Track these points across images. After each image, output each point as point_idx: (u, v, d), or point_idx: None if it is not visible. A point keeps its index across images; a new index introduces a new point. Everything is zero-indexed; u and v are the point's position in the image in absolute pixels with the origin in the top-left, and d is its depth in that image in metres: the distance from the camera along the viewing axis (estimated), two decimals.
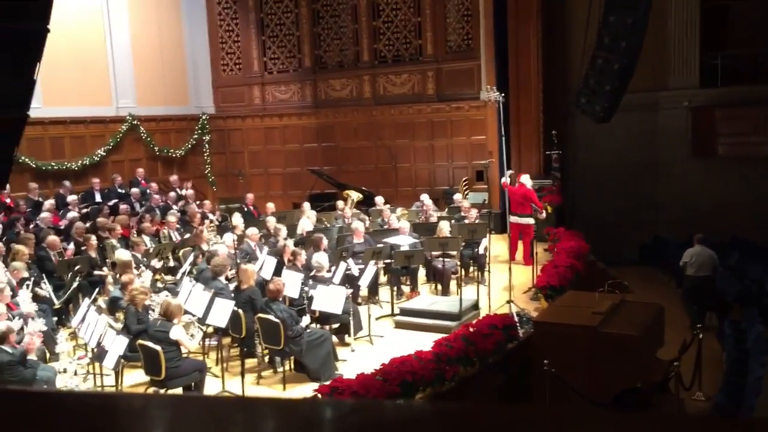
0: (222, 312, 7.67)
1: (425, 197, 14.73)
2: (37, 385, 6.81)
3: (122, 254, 9.94)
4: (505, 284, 10.18)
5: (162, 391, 7.08)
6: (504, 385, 8.25)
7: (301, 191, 18.49)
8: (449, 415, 0.96)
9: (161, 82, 18.52)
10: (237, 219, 12.49)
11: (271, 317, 7.72)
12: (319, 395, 6.65)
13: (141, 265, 10.12)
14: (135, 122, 17.56)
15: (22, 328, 7.68)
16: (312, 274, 9.30)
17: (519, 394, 8.31)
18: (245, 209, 14.91)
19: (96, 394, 4.73)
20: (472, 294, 10.16)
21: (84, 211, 13.66)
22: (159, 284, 9.99)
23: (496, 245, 12.79)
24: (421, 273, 11.60)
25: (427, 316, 9.45)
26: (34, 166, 15.14)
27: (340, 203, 14.87)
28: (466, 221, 12.46)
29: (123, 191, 15.47)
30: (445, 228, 11.34)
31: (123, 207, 13.63)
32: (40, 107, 13.84)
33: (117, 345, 7.08)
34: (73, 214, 12.90)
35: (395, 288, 10.73)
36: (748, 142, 14.94)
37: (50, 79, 14.08)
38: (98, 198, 14.91)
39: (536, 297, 10.20)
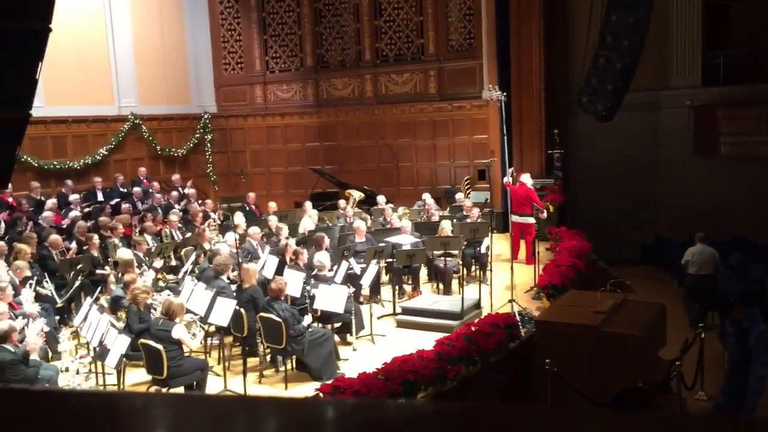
0: (224, 311, 7.68)
1: (427, 196, 14.73)
2: (39, 384, 6.81)
3: (124, 253, 9.95)
4: (507, 283, 10.18)
5: (164, 390, 7.08)
6: (506, 384, 8.25)
7: (302, 190, 18.49)
8: (451, 415, 0.96)
9: (163, 81, 18.53)
10: (239, 218, 12.50)
11: (273, 316, 7.72)
12: (321, 394, 6.65)
13: (143, 264, 10.13)
14: (137, 121, 17.57)
15: (23, 328, 7.68)
16: (314, 273, 9.31)
17: (521, 394, 8.31)
18: (247, 208, 14.91)
19: (98, 393, 4.74)
20: (474, 293, 10.15)
21: (86, 210, 13.67)
22: (161, 283, 10.00)
23: (497, 244, 12.77)
24: (423, 272, 11.59)
25: (429, 315, 9.45)
26: (36, 165, 15.15)
27: (341, 202, 14.88)
28: (468, 220, 12.46)
29: (125, 190, 15.48)
30: (446, 227, 11.34)
31: (125, 206, 13.64)
32: (42, 106, 13.85)
33: (119, 344, 7.09)
34: (75, 213, 12.91)
35: (397, 287, 10.72)
36: (749, 141, 14.91)
37: (52, 79, 14.09)
38: (100, 197, 14.92)
39: (538, 296, 10.20)
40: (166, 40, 18.67)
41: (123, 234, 11.75)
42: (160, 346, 6.96)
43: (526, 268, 11.60)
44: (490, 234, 11.35)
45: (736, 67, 15.56)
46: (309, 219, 12.88)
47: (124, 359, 7.39)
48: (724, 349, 9.84)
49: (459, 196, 15.24)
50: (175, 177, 17.05)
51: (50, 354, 8.08)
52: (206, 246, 11.11)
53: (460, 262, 11.26)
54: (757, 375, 7.69)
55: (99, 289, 9.56)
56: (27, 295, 8.72)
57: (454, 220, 12.53)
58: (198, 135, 19.63)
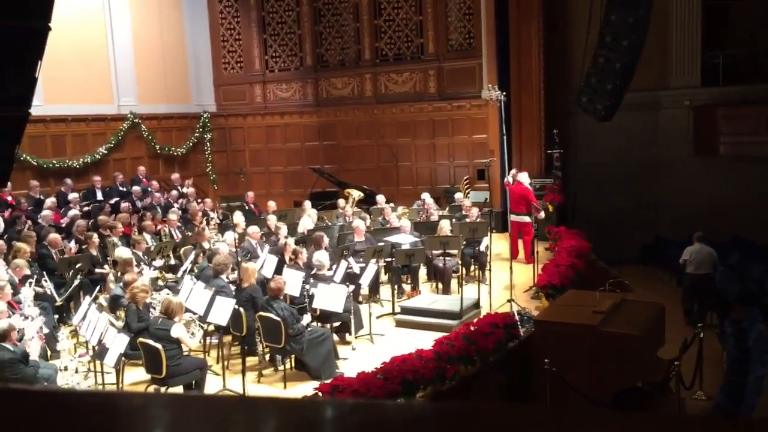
0: (223, 310, 7.67)
1: (426, 196, 14.73)
2: (38, 383, 6.81)
3: (122, 252, 9.95)
4: (506, 283, 10.18)
5: (163, 389, 7.08)
6: (505, 384, 8.25)
7: (302, 190, 18.50)
8: (450, 415, 0.96)
9: (163, 80, 18.52)
10: (238, 217, 12.50)
11: (272, 315, 7.72)
12: (320, 394, 6.65)
13: (141, 263, 10.13)
14: (136, 120, 17.57)
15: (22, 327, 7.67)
16: (313, 272, 9.31)
17: (520, 393, 8.31)
18: (246, 207, 14.91)
19: (96, 392, 4.74)
20: (473, 293, 10.16)
21: (85, 209, 13.67)
22: (160, 282, 10.00)
23: (497, 244, 12.79)
24: (422, 272, 11.60)
25: (428, 314, 9.45)
26: (35, 163, 15.15)
27: (341, 202, 14.88)
28: (467, 220, 12.46)
29: (124, 189, 15.47)
30: (446, 227, 11.34)
31: (124, 205, 13.63)
32: (41, 105, 13.86)
33: (118, 343, 7.09)
34: (74, 212, 12.91)
35: (396, 286, 10.72)
36: (749, 141, 14.91)
37: (52, 77, 14.08)
38: (99, 196, 14.92)
39: (537, 296, 10.20)
40: (166, 39, 18.67)
41: (122, 233, 11.74)
42: (159, 345, 6.96)
43: (525, 267, 11.61)
44: (489, 234, 11.35)
45: (735, 67, 15.56)
46: (308, 218, 12.88)
47: (123, 358, 7.38)
48: (723, 348, 9.85)
49: (458, 195, 15.24)
50: (175, 176, 17.06)
51: (49, 353, 8.08)
52: (205, 245, 11.11)
53: (459, 262, 11.26)
54: (756, 375, 7.70)
55: (98, 288, 9.55)
56: (26, 293, 8.71)
57: (454, 220, 12.53)
58: (197, 134, 19.63)
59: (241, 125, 20.27)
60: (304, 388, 7.48)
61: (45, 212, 12.46)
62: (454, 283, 10.96)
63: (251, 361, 8.22)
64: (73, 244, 11.00)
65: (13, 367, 6.73)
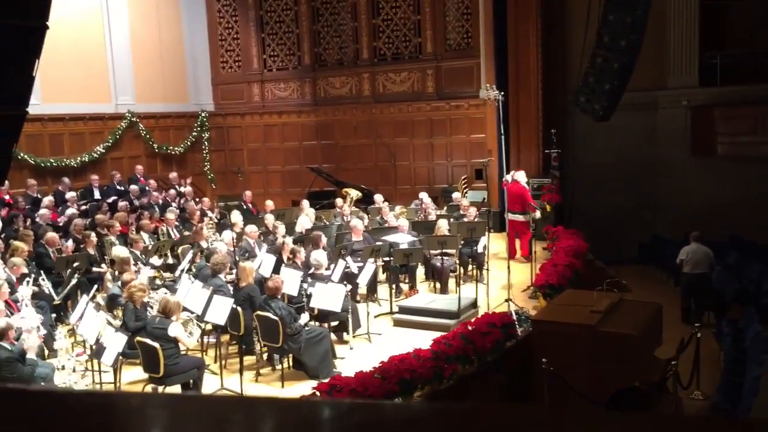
0: (221, 309, 7.66)
1: (424, 195, 14.72)
2: (35, 382, 6.80)
3: (119, 251, 9.94)
4: (504, 283, 10.19)
5: (160, 388, 7.08)
6: (502, 383, 8.26)
7: (300, 189, 18.50)
8: (449, 416, 0.96)
9: (160, 79, 18.51)
10: (236, 216, 12.49)
11: (270, 315, 7.72)
12: (318, 393, 6.65)
13: (139, 263, 10.12)
14: (134, 119, 17.55)
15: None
16: (311, 271, 9.30)
17: (517, 393, 8.31)
18: (244, 207, 14.91)
19: (94, 392, 4.74)
20: (471, 292, 10.16)
21: (83, 207, 13.66)
22: (158, 281, 9.98)
23: (494, 244, 12.80)
24: (420, 271, 11.60)
25: (426, 314, 9.45)
26: (33, 162, 15.12)
27: (339, 201, 14.88)
28: (465, 219, 12.46)
29: (122, 188, 15.46)
30: (443, 226, 11.35)
31: (122, 204, 13.62)
32: (39, 104, 13.83)
33: (115, 342, 7.08)
34: (71, 210, 12.90)
35: (394, 286, 10.71)
36: (747, 141, 14.93)
37: (49, 76, 14.07)
38: (97, 195, 14.91)
39: (535, 295, 10.21)
40: (164, 38, 18.65)
41: (120, 232, 11.73)
42: (156, 345, 6.96)
43: (522, 267, 11.59)
44: (487, 233, 11.35)
45: (733, 67, 15.57)
46: (306, 217, 12.87)
47: (121, 357, 7.37)
48: (720, 348, 9.86)
49: (456, 195, 15.23)
50: (173, 175, 17.05)
51: (46, 352, 8.07)
52: (203, 244, 11.11)
53: (457, 261, 11.26)
54: (753, 375, 7.71)
55: (95, 287, 9.54)
56: (24, 292, 8.69)
57: (451, 219, 12.54)
58: (195, 133, 19.62)
59: (239, 124, 20.27)
60: (301, 388, 7.48)
61: (42, 211, 12.44)
62: (451, 282, 10.96)
63: (249, 360, 8.22)
64: (70, 243, 10.99)
65: (11, 366, 6.73)
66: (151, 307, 8.10)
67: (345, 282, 9.25)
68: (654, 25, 13.24)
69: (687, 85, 15.95)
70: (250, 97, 20.14)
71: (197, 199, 15.25)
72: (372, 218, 13.63)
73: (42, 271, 9.77)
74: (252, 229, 11.26)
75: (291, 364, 8.02)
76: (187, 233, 12.23)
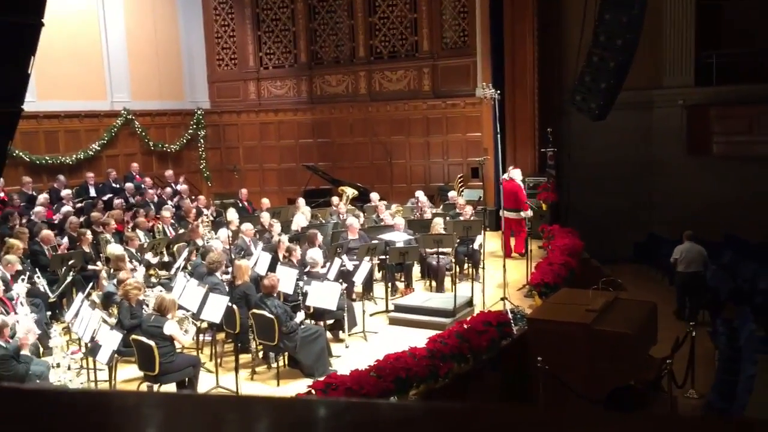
0: (216, 307, 7.65)
1: (420, 194, 14.71)
2: (30, 380, 6.79)
3: (114, 249, 9.92)
4: (500, 281, 10.20)
5: (155, 386, 7.07)
6: (498, 382, 8.26)
7: (296, 187, 18.47)
8: (444, 415, 0.96)
9: (156, 76, 18.47)
10: (232, 214, 12.48)
11: (266, 313, 7.71)
12: (313, 391, 6.65)
13: (134, 260, 10.10)
14: (130, 117, 17.51)
15: (15, 323, 7.64)
16: (306, 270, 9.30)
17: (513, 391, 8.32)
18: (240, 205, 14.89)
19: (90, 391, 4.74)
20: (467, 291, 10.17)
21: (78, 205, 13.62)
22: (153, 279, 9.97)
23: (490, 242, 12.79)
24: (416, 269, 11.60)
25: (422, 312, 9.45)
26: (28, 160, 15.07)
27: (335, 199, 14.85)
28: (461, 218, 12.46)
29: (117, 186, 15.43)
30: (439, 225, 11.35)
31: (117, 202, 13.59)
32: (34, 101, 13.80)
33: (110, 340, 7.07)
34: (67, 208, 12.86)
35: (390, 284, 10.71)
36: (742, 140, 14.97)
37: (45, 73, 14.01)
38: (92, 192, 14.87)
39: (530, 294, 10.22)
40: (160, 36, 18.61)
41: (115, 230, 11.71)
42: (151, 342, 6.95)
43: (518, 266, 11.61)
44: (483, 232, 11.36)
45: (728, 66, 15.60)
46: (302, 216, 12.85)
47: (116, 355, 7.36)
48: (714, 347, 9.88)
49: (452, 193, 15.24)
50: (168, 173, 17.02)
51: (41, 350, 8.05)
52: (199, 242, 11.09)
53: (453, 260, 11.26)
54: (747, 373, 7.73)
55: (91, 284, 9.52)
56: (19, 290, 8.68)
57: (447, 218, 12.54)
58: (191, 131, 19.58)
59: (235, 122, 20.23)
60: (297, 386, 7.48)
61: (37, 208, 12.41)
62: (447, 281, 10.96)
63: (244, 358, 8.20)
64: (65, 241, 10.97)
65: (5, 364, 6.71)
66: (147, 305, 8.10)
67: (341, 280, 9.24)
68: (650, 25, 13.25)
69: (683, 85, 15.97)
70: (246, 95, 20.10)
71: (193, 197, 15.23)
72: (368, 216, 13.63)
73: (37, 269, 9.75)
74: (248, 227, 11.25)
75: (286, 362, 8.02)
76: (182, 231, 12.21)
